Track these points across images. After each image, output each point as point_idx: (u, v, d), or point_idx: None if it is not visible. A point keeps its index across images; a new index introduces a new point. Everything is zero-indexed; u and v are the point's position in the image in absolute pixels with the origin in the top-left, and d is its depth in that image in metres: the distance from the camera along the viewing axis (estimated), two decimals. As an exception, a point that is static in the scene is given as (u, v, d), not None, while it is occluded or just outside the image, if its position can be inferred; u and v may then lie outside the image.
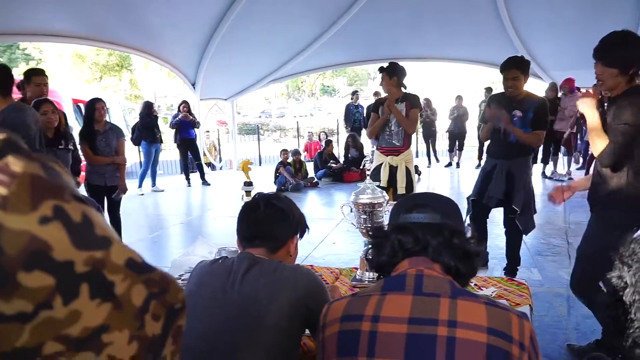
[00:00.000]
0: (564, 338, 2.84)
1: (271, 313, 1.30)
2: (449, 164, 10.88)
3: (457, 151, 10.75)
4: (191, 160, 9.49)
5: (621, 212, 2.25)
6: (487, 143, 4.03)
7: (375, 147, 4.13)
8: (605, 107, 2.36)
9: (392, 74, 3.98)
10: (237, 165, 11.01)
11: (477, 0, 8.61)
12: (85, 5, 6.48)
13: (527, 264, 4.03)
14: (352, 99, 11.37)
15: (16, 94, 3.81)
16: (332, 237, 5.20)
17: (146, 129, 8.24)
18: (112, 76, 26.58)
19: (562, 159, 8.93)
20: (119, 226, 4.48)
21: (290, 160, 8.94)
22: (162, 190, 8.55)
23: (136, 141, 8.46)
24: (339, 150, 11.63)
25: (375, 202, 2.14)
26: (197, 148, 9.40)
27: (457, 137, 10.64)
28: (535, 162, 8.61)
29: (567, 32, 8.94)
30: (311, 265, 2.41)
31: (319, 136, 13.78)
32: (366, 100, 13.19)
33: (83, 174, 4.65)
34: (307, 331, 1.45)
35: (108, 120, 4.67)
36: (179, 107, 9.15)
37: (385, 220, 2.05)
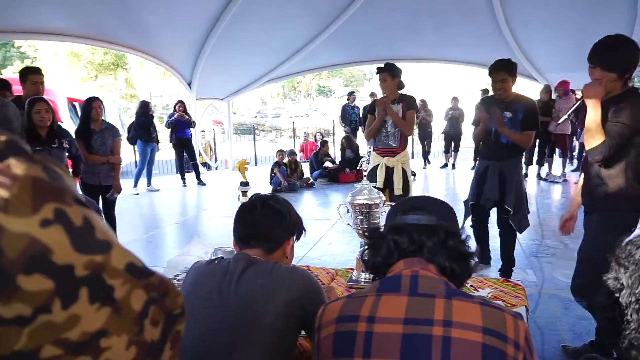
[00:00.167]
0: (558, 339, 2.85)
1: (267, 314, 1.30)
2: (445, 165, 10.91)
3: (453, 152, 10.77)
4: (187, 160, 9.46)
5: (623, 213, 2.25)
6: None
7: (371, 148, 4.14)
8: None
9: (395, 74, 4.00)
10: (233, 165, 11.00)
11: (473, 2, 8.64)
12: (82, 4, 6.46)
13: (522, 265, 4.04)
14: (348, 99, 11.37)
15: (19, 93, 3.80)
16: (328, 237, 5.20)
17: (142, 129, 8.21)
18: (107, 75, 26.47)
19: (557, 160, 8.98)
20: (113, 226, 4.46)
21: (286, 160, 8.93)
22: (158, 190, 8.53)
23: (132, 140, 8.43)
24: (334, 151, 11.63)
25: (372, 203, 2.15)
26: (193, 148, 9.38)
27: (452, 138, 10.66)
28: (530, 164, 8.69)
29: (562, 34, 8.98)
30: (307, 266, 2.41)
31: (315, 137, 13.78)
32: (362, 101, 13.20)
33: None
34: (302, 332, 1.45)
35: (104, 119, 4.65)
36: (174, 107, 9.13)
37: (382, 221, 2.06)
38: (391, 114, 3.96)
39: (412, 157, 10.08)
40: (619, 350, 1.03)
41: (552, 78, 9.51)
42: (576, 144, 9.83)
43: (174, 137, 9.01)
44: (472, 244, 1.21)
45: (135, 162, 9.16)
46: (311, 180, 9.17)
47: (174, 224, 6.27)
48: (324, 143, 10.43)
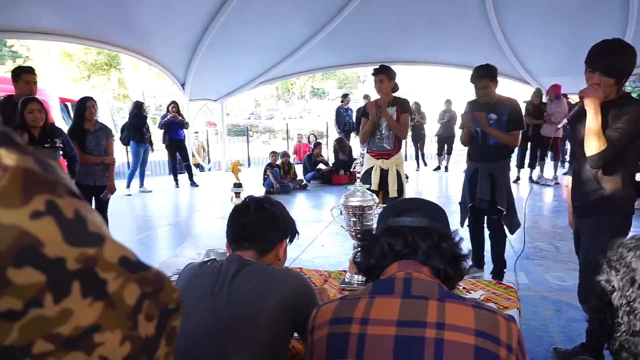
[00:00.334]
0: (550, 341, 2.87)
1: (260, 315, 1.30)
2: (438, 168, 10.94)
3: (446, 155, 10.82)
4: (179, 161, 9.43)
5: (618, 217, 2.27)
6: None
7: (365, 150, 4.14)
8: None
9: (392, 76, 4.02)
10: (226, 167, 10.97)
11: (467, 5, 8.68)
12: (75, 2, 6.42)
13: (514, 268, 4.05)
14: (342, 102, 11.38)
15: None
16: (321, 239, 5.20)
17: (135, 129, 8.17)
18: (100, 75, 26.33)
19: (549, 163, 9.04)
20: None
21: (279, 162, 8.92)
22: (150, 191, 8.49)
23: (125, 141, 8.39)
24: (328, 153, 11.63)
25: (365, 204, 2.15)
26: (186, 149, 9.35)
27: (445, 141, 10.70)
28: (522, 167, 8.74)
29: (555, 38, 9.04)
30: (300, 268, 2.41)
31: (308, 138, 13.78)
32: (356, 104, 13.22)
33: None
34: (295, 334, 1.45)
35: (97, 119, 4.63)
36: (168, 108, 9.10)
37: (375, 223, 2.06)
38: (386, 117, 3.97)
39: (405, 160, 10.10)
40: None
41: (545, 82, 9.57)
42: (568, 147, 9.89)
43: (167, 138, 8.98)
44: (465, 247, 1.21)
45: (128, 162, 9.10)
46: (304, 182, 9.16)
47: (167, 225, 6.24)
48: (317, 145, 10.43)
